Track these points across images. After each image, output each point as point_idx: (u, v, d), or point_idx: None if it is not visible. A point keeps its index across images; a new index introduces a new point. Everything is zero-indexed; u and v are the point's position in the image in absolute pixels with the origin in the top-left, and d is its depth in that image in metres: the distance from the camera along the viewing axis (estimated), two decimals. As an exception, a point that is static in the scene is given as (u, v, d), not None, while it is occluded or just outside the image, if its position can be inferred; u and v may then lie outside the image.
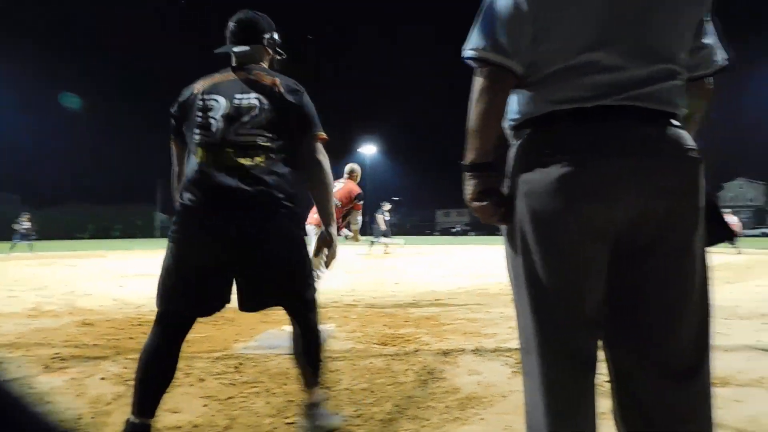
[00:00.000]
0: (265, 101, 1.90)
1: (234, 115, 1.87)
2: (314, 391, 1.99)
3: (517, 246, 1.17)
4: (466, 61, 1.17)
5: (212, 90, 1.94)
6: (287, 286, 1.92)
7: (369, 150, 64.27)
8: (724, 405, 2.28)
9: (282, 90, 1.93)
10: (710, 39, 1.23)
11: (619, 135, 1.08)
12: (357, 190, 4.94)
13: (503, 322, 4.30)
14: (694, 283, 1.16)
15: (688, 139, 1.13)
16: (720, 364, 2.98)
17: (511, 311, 4.73)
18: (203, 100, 1.92)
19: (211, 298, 1.93)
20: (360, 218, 5.10)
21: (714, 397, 1.17)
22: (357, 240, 5.45)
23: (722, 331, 3.91)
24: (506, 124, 1.25)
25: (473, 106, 1.16)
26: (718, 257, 14.26)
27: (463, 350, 3.33)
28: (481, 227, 69.87)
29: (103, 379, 2.74)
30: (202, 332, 3.97)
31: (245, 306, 1.93)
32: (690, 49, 1.19)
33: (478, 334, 3.83)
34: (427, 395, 2.45)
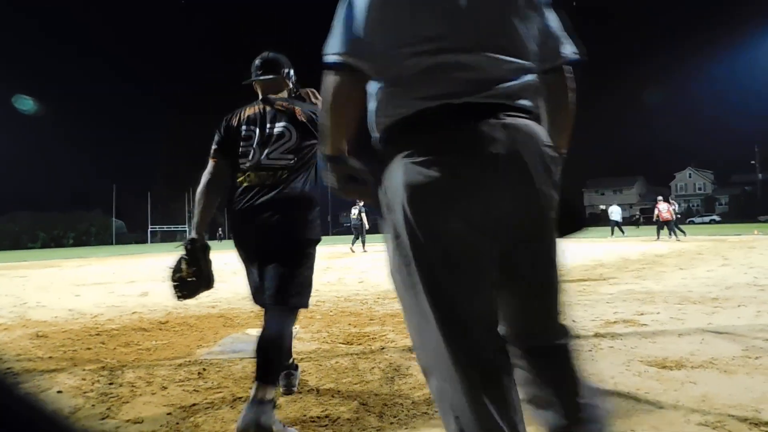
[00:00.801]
0: (292, 129, 2.34)
1: (267, 142, 2.33)
2: (266, 388, 2.03)
3: (408, 255, 1.14)
4: (326, 64, 1.18)
5: (250, 121, 2.39)
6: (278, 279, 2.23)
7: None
8: (679, 386, 2.37)
9: (304, 119, 2.36)
10: (555, 31, 1.30)
11: (486, 132, 1.12)
12: None
13: (467, 316, 4.36)
14: (550, 271, 1.21)
15: (543, 134, 1.20)
16: (674, 347, 3.10)
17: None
18: (244, 130, 2.38)
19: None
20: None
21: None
22: None
23: (675, 316, 4.06)
24: (375, 125, 1.27)
25: (328, 105, 1.19)
26: (667, 245, 14.81)
27: (428, 346, 3.36)
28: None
29: (59, 392, 2.64)
30: (163, 339, 3.88)
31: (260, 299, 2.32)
32: (538, 42, 1.26)
33: (442, 329, 3.86)
34: (394, 392, 2.46)
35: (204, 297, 6.59)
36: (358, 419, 2.13)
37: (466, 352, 1.12)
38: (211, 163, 2.42)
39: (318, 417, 2.17)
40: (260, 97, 2.48)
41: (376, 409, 2.24)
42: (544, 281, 1.21)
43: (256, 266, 2.30)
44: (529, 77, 1.21)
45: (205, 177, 2.41)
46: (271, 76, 2.49)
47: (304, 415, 2.20)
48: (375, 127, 1.27)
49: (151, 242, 59.87)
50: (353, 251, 17.49)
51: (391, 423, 2.09)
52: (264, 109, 2.41)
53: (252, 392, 2.01)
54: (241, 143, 2.36)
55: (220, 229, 52.56)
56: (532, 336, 1.23)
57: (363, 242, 18.28)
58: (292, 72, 2.60)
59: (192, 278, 2.39)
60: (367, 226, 18.08)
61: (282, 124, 2.35)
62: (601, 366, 2.76)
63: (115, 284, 8.72)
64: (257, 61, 2.53)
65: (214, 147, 2.44)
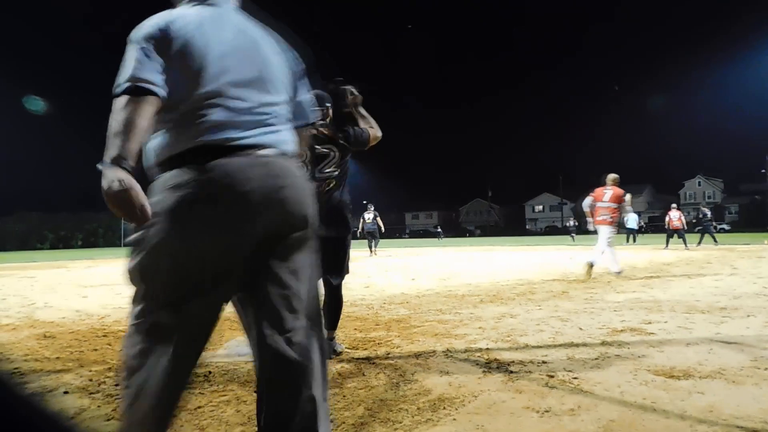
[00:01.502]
0: (333, 148, 3.19)
1: (315, 162, 3.14)
2: (330, 332, 3.25)
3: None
4: (117, 94, 1.38)
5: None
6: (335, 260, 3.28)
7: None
8: (686, 396, 2.36)
9: (341, 137, 3.19)
10: (304, 97, 1.72)
11: (247, 169, 1.41)
12: (622, 192, 8.26)
13: (473, 323, 4.35)
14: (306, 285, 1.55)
15: (299, 171, 1.55)
16: (681, 356, 3.08)
17: (480, 312, 4.82)
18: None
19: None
20: (629, 209, 8.54)
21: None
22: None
23: (683, 325, 4.03)
24: (151, 160, 1.49)
25: (117, 116, 1.34)
26: (675, 254, 14.70)
27: (433, 352, 3.36)
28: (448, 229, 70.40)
29: (66, 393, 2.65)
30: (169, 342, 3.89)
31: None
32: (291, 102, 1.64)
33: (448, 336, 3.86)
34: (398, 398, 2.46)
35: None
36: (362, 424, 2.13)
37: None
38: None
39: (322, 421, 2.16)
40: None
41: (381, 414, 2.24)
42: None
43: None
44: (285, 126, 1.58)
45: None
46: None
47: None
48: (152, 156, 1.49)
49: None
50: (376, 254, 17.98)
51: (396, 429, 2.08)
52: (317, 136, 3.17)
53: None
54: None
55: None
56: None
57: (375, 246, 18.64)
58: (330, 104, 3.29)
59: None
60: (382, 230, 18.73)
61: (324, 146, 3.19)
62: (607, 374, 2.74)
63: (122, 286, 8.75)
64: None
65: None
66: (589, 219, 8.52)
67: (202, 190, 1.36)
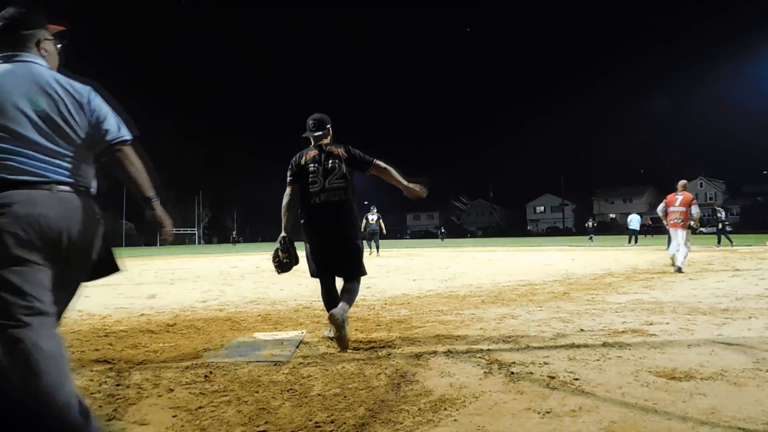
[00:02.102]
0: (340, 163, 3.78)
1: (326, 174, 3.75)
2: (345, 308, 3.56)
3: None
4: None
5: (312, 161, 3.81)
6: (350, 262, 3.85)
7: (339, 154, 64.08)
8: (687, 398, 2.35)
9: (346, 154, 3.82)
10: (103, 121, 1.98)
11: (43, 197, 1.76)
12: (691, 196, 9.19)
13: (474, 324, 4.35)
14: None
15: (80, 203, 1.87)
16: (682, 358, 3.08)
17: (481, 313, 4.81)
18: (309, 166, 3.80)
19: (329, 264, 3.85)
20: (696, 210, 9.08)
21: None
22: (697, 225, 9.48)
23: (685, 326, 4.02)
24: None
25: None
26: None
27: (434, 352, 3.35)
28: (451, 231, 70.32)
29: (67, 392, 2.65)
30: (170, 341, 3.90)
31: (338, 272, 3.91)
32: (88, 130, 1.94)
33: (449, 336, 3.85)
34: (399, 398, 2.46)
35: (212, 300, 6.64)
36: (363, 425, 2.13)
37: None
38: (289, 189, 3.84)
39: (323, 422, 2.17)
40: (313, 144, 3.92)
41: (382, 415, 2.24)
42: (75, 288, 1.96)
43: (324, 249, 3.82)
44: (69, 161, 1.87)
45: (286, 197, 3.85)
46: (320, 132, 3.90)
47: (310, 420, 2.19)
48: None
49: (160, 245, 60.14)
50: (379, 255, 18.39)
51: (397, 430, 2.08)
52: (320, 152, 3.83)
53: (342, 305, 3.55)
54: (310, 175, 3.77)
55: (234, 233, 53.09)
56: None
57: (377, 247, 19.03)
58: (330, 125, 3.96)
59: (287, 260, 3.85)
60: (384, 232, 19.39)
61: (332, 161, 3.77)
62: (608, 376, 2.74)
63: (124, 286, 8.77)
64: (311, 121, 3.92)
65: (290, 178, 3.84)
66: (664, 222, 9.50)
67: None
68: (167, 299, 6.75)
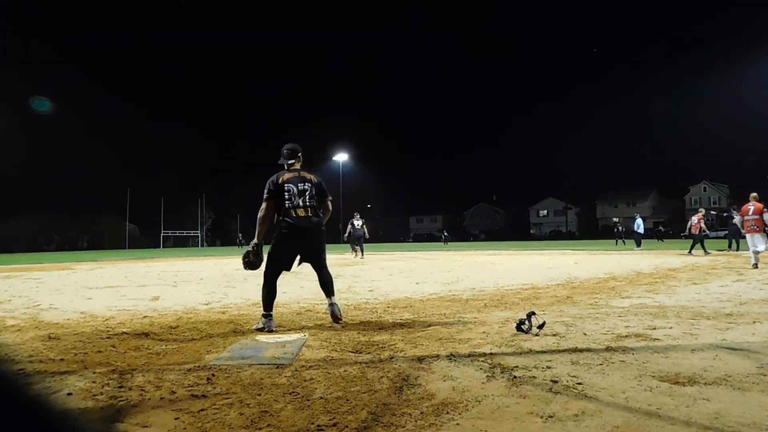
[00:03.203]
0: (311, 186, 4.72)
1: (300, 194, 4.65)
2: (330, 298, 4.80)
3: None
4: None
5: (288, 181, 4.65)
6: (319, 262, 4.80)
7: (341, 158, 64.38)
8: (691, 403, 2.34)
9: (315, 180, 4.81)
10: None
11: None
12: (761, 206, 10.84)
13: (476, 328, 4.34)
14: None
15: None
16: (686, 362, 3.06)
17: (484, 316, 4.78)
18: (285, 185, 4.63)
19: (288, 265, 4.71)
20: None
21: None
22: None
23: (688, 331, 4.01)
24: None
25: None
26: (681, 260, 14.63)
27: (437, 356, 3.35)
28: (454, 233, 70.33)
29: (69, 394, 2.66)
30: (173, 344, 3.90)
31: (307, 262, 4.81)
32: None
33: (452, 340, 3.85)
34: (402, 402, 2.45)
35: (214, 303, 6.62)
36: (365, 428, 2.13)
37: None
38: (266, 204, 4.61)
39: (325, 425, 2.16)
40: (286, 168, 4.81)
41: (385, 418, 2.23)
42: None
43: (297, 254, 4.70)
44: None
45: (263, 211, 4.61)
46: (293, 161, 4.84)
47: (312, 423, 2.19)
48: None
49: (164, 247, 60.33)
50: (362, 258, 18.71)
51: (399, 433, 2.07)
52: (295, 176, 4.72)
53: (329, 301, 4.80)
54: (285, 194, 4.60)
55: (240, 236, 53.66)
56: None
57: (362, 251, 19.63)
58: (301, 153, 4.89)
59: (255, 261, 4.70)
60: (367, 236, 20.00)
61: (306, 184, 4.70)
62: (612, 380, 2.73)
63: (127, 288, 8.78)
64: (285, 151, 4.83)
65: (267, 195, 4.60)
66: (743, 230, 11.38)
67: None
68: (170, 301, 6.76)
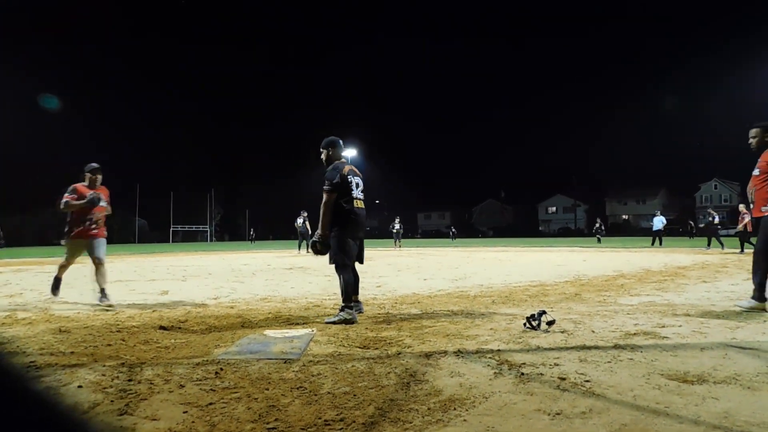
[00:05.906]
0: (360, 179, 5.00)
1: (357, 186, 4.89)
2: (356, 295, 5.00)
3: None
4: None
5: (349, 174, 4.83)
6: (362, 253, 5.10)
7: (350, 153, 64.37)
8: (700, 402, 2.33)
9: (359, 174, 5.03)
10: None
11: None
12: None
13: (484, 324, 4.33)
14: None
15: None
16: (695, 361, 3.04)
17: (492, 313, 4.78)
18: (348, 177, 4.81)
19: (357, 254, 4.94)
20: None
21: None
22: None
23: (698, 329, 3.98)
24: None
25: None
26: (690, 258, 14.53)
27: (444, 352, 3.35)
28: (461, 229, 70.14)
29: (80, 387, 2.68)
30: (182, 338, 3.93)
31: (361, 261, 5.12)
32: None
33: (459, 336, 3.85)
34: (409, 398, 2.46)
35: (223, 297, 6.67)
36: (372, 424, 2.13)
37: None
38: (332, 195, 4.68)
39: (333, 420, 2.17)
40: (339, 160, 5.01)
41: (392, 414, 2.24)
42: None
43: (358, 244, 4.90)
44: None
45: (329, 202, 4.67)
46: (344, 153, 5.29)
47: (319, 418, 2.20)
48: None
49: (173, 242, 60.59)
50: (301, 254, 21.14)
51: (406, 429, 2.08)
52: (351, 168, 4.94)
53: (355, 298, 4.84)
54: (350, 186, 4.79)
55: (252, 231, 53.78)
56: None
57: (308, 246, 21.42)
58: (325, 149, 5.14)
59: (323, 250, 4.76)
60: (310, 232, 22.32)
61: (358, 177, 4.96)
62: (620, 378, 2.72)
63: (137, 282, 8.85)
64: (340, 143, 5.09)
65: (332, 187, 4.67)
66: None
67: None
68: (179, 295, 6.81)
